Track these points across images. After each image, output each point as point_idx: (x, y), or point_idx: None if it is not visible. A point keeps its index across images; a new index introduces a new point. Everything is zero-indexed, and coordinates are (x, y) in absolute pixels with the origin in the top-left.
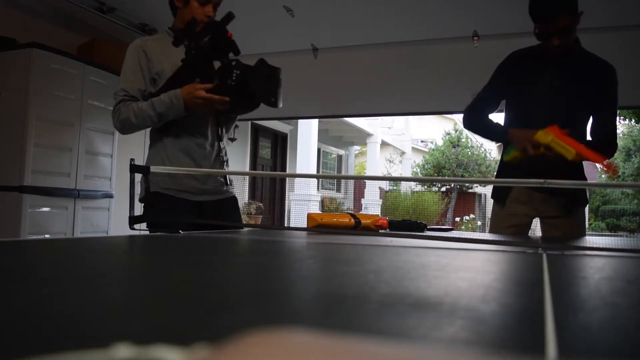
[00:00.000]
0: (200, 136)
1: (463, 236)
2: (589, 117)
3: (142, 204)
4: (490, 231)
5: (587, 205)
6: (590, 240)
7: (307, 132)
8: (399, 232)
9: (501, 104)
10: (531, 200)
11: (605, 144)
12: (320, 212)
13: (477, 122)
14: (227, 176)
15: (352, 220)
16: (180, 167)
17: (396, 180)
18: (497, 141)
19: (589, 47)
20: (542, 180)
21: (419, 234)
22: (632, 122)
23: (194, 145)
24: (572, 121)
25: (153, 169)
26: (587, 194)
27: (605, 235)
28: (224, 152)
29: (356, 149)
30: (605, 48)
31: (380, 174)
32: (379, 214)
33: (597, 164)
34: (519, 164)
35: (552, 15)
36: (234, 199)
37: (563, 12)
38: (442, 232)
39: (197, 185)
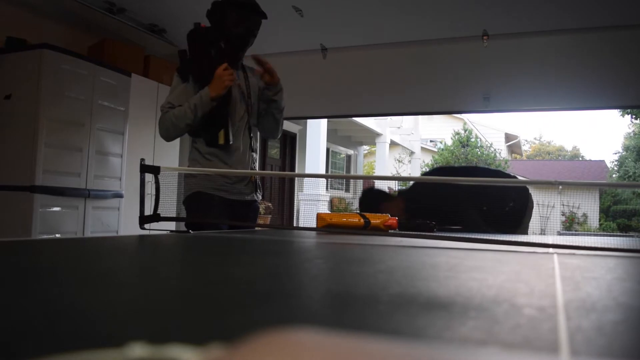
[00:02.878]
0: (234, 116)
1: (473, 236)
2: None
3: (185, 204)
4: None
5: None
6: (601, 240)
7: (316, 132)
8: (408, 232)
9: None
10: None
11: None
12: (329, 212)
13: None
14: (259, 184)
15: (362, 220)
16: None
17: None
18: None
19: (588, 47)
20: (553, 180)
21: (429, 234)
22: None
23: (227, 152)
24: None
25: (163, 169)
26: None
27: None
28: (253, 159)
29: (365, 148)
30: (606, 48)
31: (389, 174)
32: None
33: None
34: None
35: None
36: (257, 205)
37: None
38: (451, 232)
39: (231, 185)
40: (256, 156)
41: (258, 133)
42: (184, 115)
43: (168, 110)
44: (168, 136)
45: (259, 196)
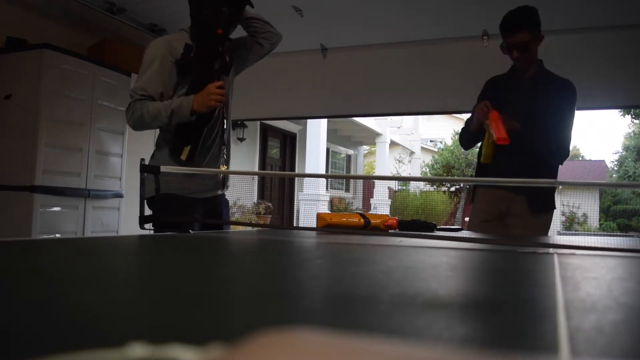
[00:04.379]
0: (208, 140)
1: (473, 236)
2: (549, 129)
3: (149, 204)
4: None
5: (554, 211)
6: (601, 240)
7: (316, 131)
8: (408, 232)
9: None
10: (496, 199)
11: (558, 147)
12: (329, 212)
13: (466, 143)
14: (226, 177)
15: (362, 220)
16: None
17: (405, 180)
18: (474, 131)
19: (588, 47)
20: (553, 180)
21: (429, 233)
22: None
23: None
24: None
25: (163, 168)
26: (555, 201)
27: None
28: (224, 152)
29: (365, 148)
30: (606, 48)
31: (389, 174)
32: (388, 213)
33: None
34: (493, 166)
35: (513, 30)
36: (226, 199)
37: (523, 29)
38: (451, 232)
39: (199, 183)
40: (228, 149)
41: (230, 124)
42: (158, 116)
43: (141, 99)
44: (137, 128)
45: (225, 190)
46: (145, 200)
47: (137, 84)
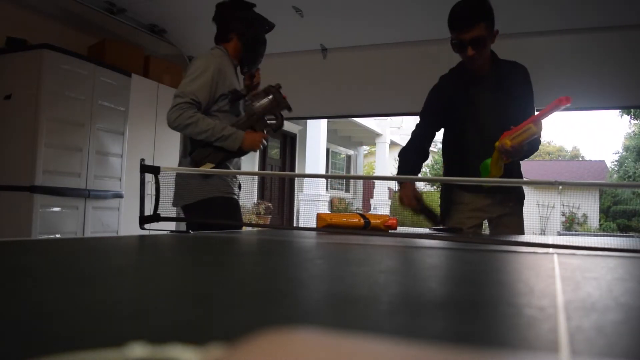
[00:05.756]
0: (230, 163)
1: (473, 236)
2: (518, 117)
3: (193, 208)
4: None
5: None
6: (601, 240)
7: (316, 132)
8: (408, 232)
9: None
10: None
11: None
12: (329, 212)
13: (404, 161)
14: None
15: (362, 220)
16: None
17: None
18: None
19: (588, 48)
20: (553, 180)
21: (429, 234)
22: None
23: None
24: (505, 128)
25: (163, 169)
26: (523, 191)
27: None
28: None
29: (365, 149)
30: (606, 48)
31: (389, 174)
32: (388, 214)
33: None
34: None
35: (466, 25)
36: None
37: (476, 23)
38: (450, 232)
39: (233, 185)
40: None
41: None
42: (205, 133)
43: (191, 105)
44: (176, 129)
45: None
46: (184, 205)
47: (188, 88)
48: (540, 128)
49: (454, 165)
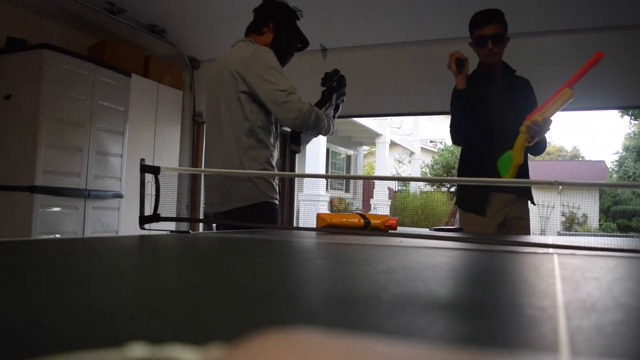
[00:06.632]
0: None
1: (473, 236)
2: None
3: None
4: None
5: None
6: (601, 241)
7: None
8: (408, 233)
9: None
10: (504, 202)
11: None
12: (329, 212)
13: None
14: None
15: (362, 220)
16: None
17: (405, 180)
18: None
19: (589, 47)
20: (553, 180)
21: (429, 234)
22: None
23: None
24: (515, 127)
25: (163, 169)
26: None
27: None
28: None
29: (365, 149)
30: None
31: (389, 174)
32: (388, 214)
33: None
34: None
35: (489, 20)
36: None
37: (496, 21)
38: (451, 232)
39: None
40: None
41: None
42: (324, 122)
43: (303, 100)
44: (307, 127)
45: None
46: (242, 207)
47: (288, 83)
48: (572, 94)
49: (469, 164)
